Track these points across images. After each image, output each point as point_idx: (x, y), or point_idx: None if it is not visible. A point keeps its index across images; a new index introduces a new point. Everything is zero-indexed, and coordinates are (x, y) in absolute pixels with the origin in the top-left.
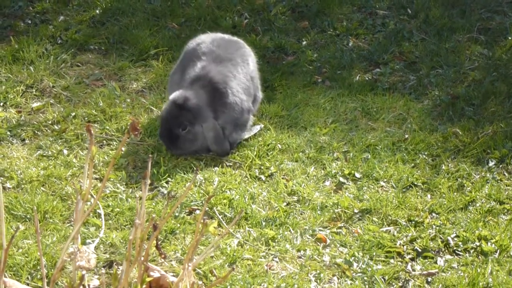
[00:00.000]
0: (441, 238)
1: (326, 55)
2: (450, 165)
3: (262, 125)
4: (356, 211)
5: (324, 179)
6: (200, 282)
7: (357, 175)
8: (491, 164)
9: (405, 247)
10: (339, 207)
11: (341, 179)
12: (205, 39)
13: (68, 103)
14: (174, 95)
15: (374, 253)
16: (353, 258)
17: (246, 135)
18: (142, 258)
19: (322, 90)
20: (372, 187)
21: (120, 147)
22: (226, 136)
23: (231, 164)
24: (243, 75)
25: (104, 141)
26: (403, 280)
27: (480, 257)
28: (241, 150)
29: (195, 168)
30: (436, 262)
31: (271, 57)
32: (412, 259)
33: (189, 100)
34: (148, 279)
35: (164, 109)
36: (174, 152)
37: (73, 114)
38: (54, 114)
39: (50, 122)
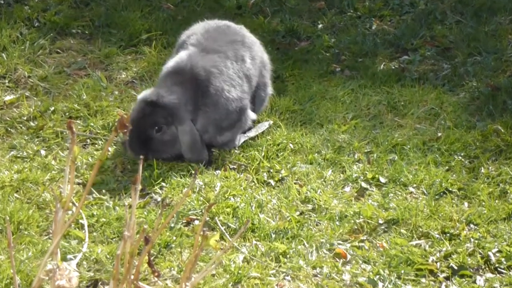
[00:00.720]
0: (480, 254)
1: (346, 40)
2: (490, 168)
3: (271, 122)
4: (381, 221)
5: (344, 185)
6: None
7: (382, 179)
8: None
9: (438, 264)
10: (361, 217)
11: (363, 184)
12: (197, 30)
13: (46, 96)
14: (144, 93)
15: (403, 271)
16: (377, 276)
17: (253, 133)
18: (132, 277)
19: (340, 81)
20: (400, 193)
21: (106, 147)
22: (204, 141)
23: (235, 166)
24: (233, 70)
25: (88, 140)
26: None
27: None
28: (246, 150)
29: (193, 171)
30: (475, 282)
31: (282, 43)
32: (446, 278)
33: (164, 97)
34: None
35: (132, 110)
36: (148, 157)
37: (52, 108)
38: (30, 109)
39: (25, 118)
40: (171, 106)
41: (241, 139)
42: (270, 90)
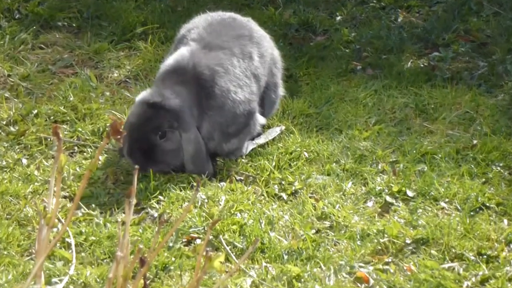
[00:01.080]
0: None
1: (368, 35)
2: None
3: (283, 127)
4: (408, 241)
5: (366, 199)
6: None
7: (410, 193)
8: None
9: None
10: (386, 236)
11: (388, 199)
12: (199, 23)
13: (29, 97)
14: (144, 94)
15: None
16: None
17: (262, 139)
18: None
19: (362, 81)
20: (430, 209)
21: (97, 156)
22: (209, 150)
23: (242, 178)
24: (239, 69)
25: (76, 148)
26: None
27: None
28: (255, 159)
29: (195, 184)
30: None
31: (295, 38)
32: None
33: (169, 98)
34: None
35: (131, 114)
36: (150, 169)
37: (35, 111)
38: (10, 112)
39: (4, 123)
40: (177, 110)
41: (249, 146)
42: (281, 91)
